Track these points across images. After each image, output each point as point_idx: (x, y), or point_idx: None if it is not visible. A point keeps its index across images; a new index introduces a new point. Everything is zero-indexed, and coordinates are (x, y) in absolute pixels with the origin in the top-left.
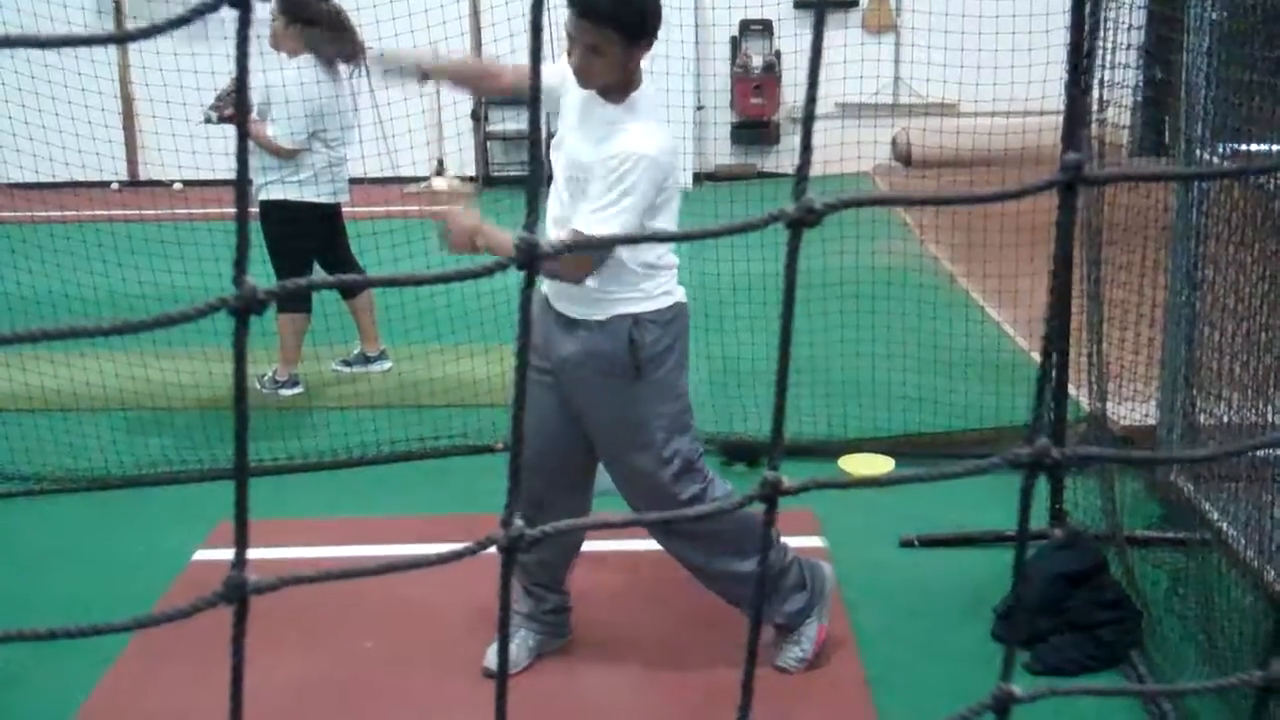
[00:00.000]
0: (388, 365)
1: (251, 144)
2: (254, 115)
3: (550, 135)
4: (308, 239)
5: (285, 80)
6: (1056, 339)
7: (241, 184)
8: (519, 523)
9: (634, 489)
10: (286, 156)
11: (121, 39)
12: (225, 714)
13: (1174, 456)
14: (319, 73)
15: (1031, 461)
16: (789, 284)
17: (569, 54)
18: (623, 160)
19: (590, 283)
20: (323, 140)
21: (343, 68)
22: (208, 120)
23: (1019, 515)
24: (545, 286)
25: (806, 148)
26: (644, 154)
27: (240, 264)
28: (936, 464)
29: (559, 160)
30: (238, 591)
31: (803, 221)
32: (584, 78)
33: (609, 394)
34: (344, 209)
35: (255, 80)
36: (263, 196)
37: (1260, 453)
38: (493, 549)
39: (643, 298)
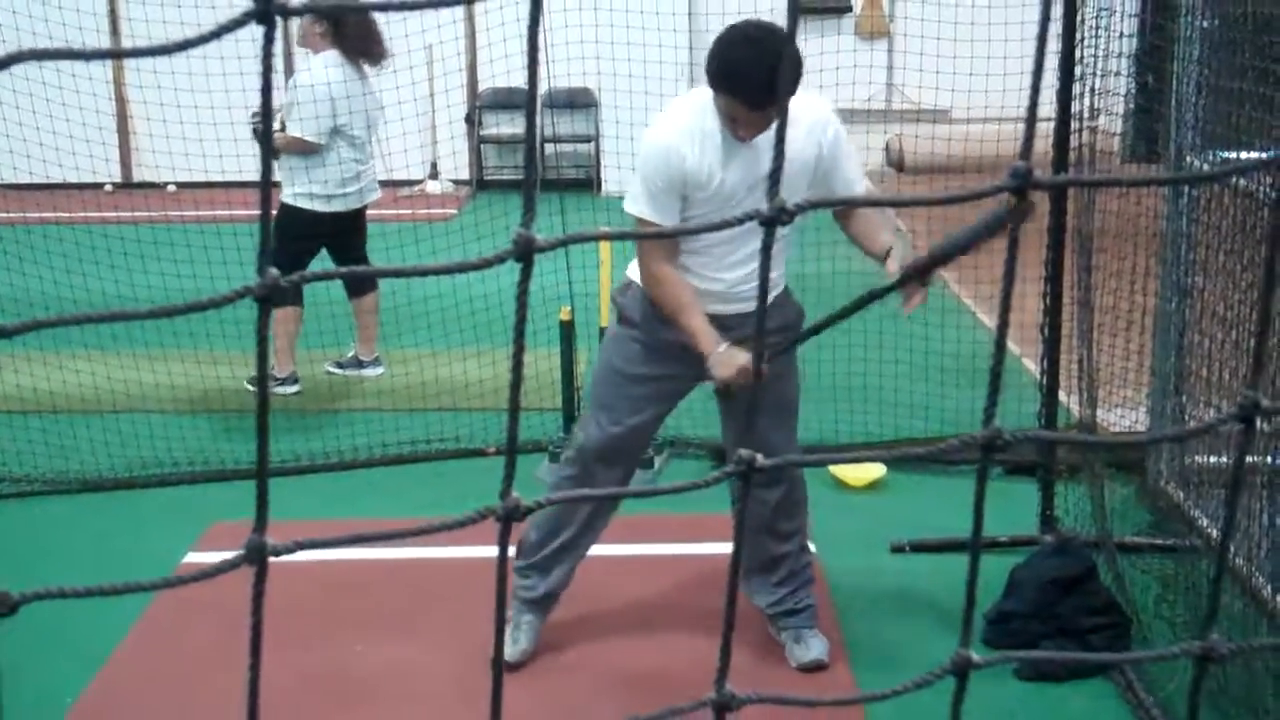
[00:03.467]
0: (380, 370)
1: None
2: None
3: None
4: (311, 242)
5: (312, 78)
6: (1006, 333)
7: (266, 184)
8: (515, 494)
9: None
10: (310, 151)
11: (133, 53)
12: (216, 713)
13: (1132, 439)
14: (345, 71)
15: (986, 442)
16: (762, 279)
17: (734, 129)
18: (834, 130)
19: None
20: (348, 139)
21: (367, 68)
22: (255, 132)
23: (975, 495)
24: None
25: (780, 152)
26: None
27: (263, 255)
28: (922, 469)
29: (754, 197)
30: (259, 553)
31: (776, 220)
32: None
33: (782, 364)
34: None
35: (199, 84)
36: (285, 200)
37: (1249, 459)
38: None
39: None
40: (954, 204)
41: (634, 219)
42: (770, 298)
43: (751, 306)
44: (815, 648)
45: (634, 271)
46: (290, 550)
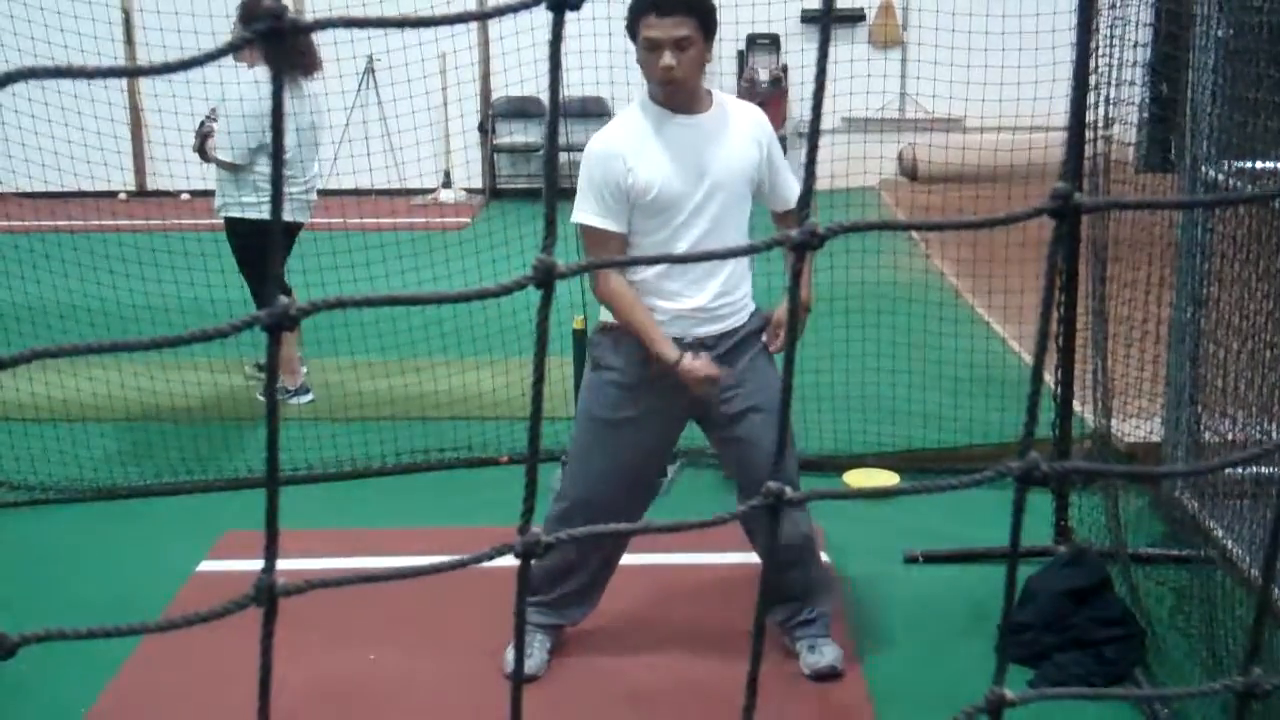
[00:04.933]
0: (310, 396)
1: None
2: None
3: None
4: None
5: (240, 93)
6: (1044, 360)
7: (276, 204)
8: (535, 529)
9: (759, 481)
10: (229, 170)
11: (150, 71)
12: None
13: (1163, 471)
14: (261, 77)
15: (1022, 474)
16: (792, 305)
17: (656, 65)
18: (770, 132)
19: (743, 281)
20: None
21: (304, 82)
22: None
23: (1011, 526)
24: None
25: (810, 174)
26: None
27: (268, 282)
28: (937, 478)
29: (698, 196)
30: (268, 594)
31: (806, 245)
32: (677, 76)
33: (769, 374)
34: (347, 221)
35: (213, 92)
36: (225, 214)
37: (1266, 469)
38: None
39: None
40: (993, 227)
41: (580, 229)
42: (747, 315)
43: (728, 325)
44: (829, 654)
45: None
46: (301, 590)
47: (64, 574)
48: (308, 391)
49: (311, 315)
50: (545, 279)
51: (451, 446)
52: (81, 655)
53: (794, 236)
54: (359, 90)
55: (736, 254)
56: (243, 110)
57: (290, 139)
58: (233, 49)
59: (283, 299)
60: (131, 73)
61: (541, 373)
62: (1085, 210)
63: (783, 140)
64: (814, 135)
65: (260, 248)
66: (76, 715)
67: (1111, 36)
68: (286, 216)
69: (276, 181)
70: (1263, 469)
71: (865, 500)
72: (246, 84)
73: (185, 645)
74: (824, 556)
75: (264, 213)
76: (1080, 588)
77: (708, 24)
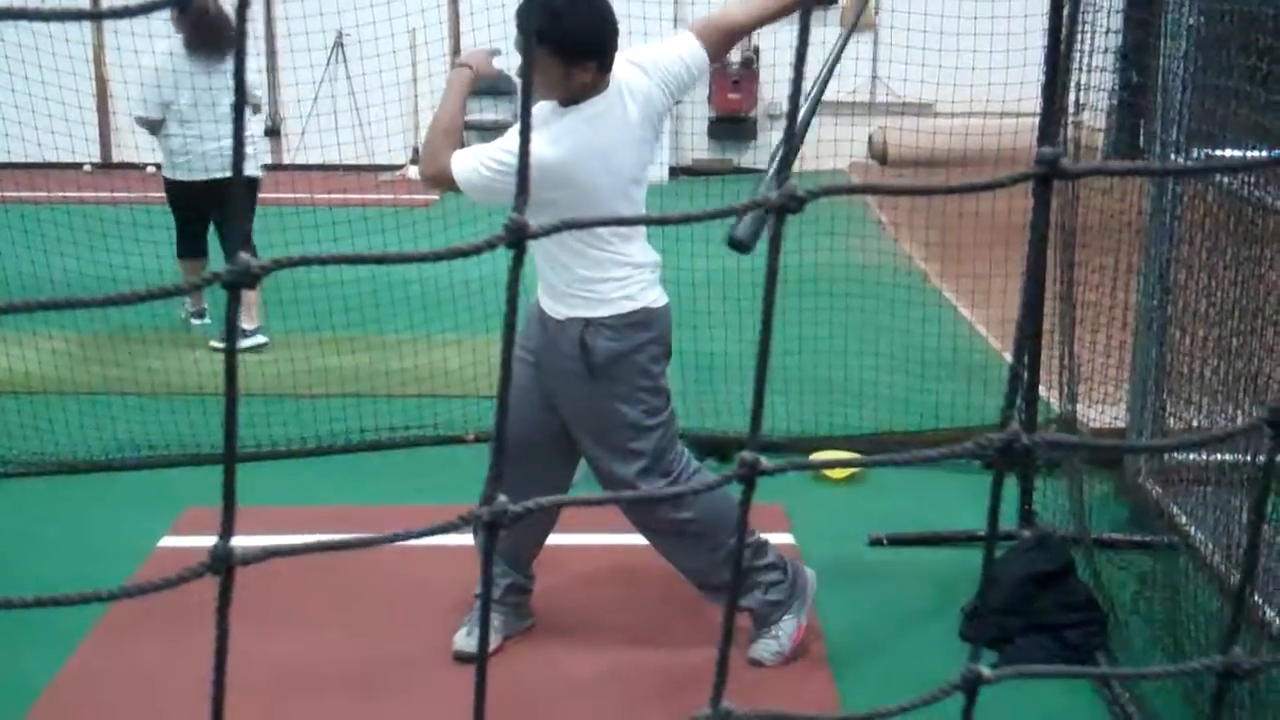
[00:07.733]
0: (263, 340)
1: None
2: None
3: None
4: (178, 210)
5: (154, 61)
6: (1029, 331)
7: (238, 166)
8: (502, 498)
9: (602, 482)
10: (145, 127)
11: (97, 16)
12: (188, 699)
13: (1139, 445)
14: (173, 45)
15: (1003, 445)
16: (771, 269)
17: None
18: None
19: (558, 281)
20: (178, 119)
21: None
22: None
23: (991, 498)
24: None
25: (791, 135)
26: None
27: (234, 240)
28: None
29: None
30: (223, 562)
31: (786, 208)
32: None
33: (570, 389)
34: (314, 195)
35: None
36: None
37: (1228, 456)
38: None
39: (598, 301)
40: (980, 191)
41: None
42: (551, 308)
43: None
44: (752, 650)
45: (604, 304)
46: (260, 558)
47: (25, 549)
48: (260, 333)
49: (274, 272)
50: (517, 239)
51: (417, 424)
52: (37, 633)
53: (773, 199)
54: (327, 65)
55: (716, 215)
56: (147, 69)
57: (186, 101)
58: (152, 8)
59: (242, 255)
60: (90, 16)
61: (512, 334)
62: (1069, 175)
63: (754, 121)
64: (795, 96)
65: (174, 204)
66: (35, 690)
67: (1083, 22)
68: (186, 176)
69: (238, 135)
70: (1226, 455)
71: (831, 483)
72: (160, 44)
73: (144, 624)
74: (789, 539)
75: (174, 174)
76: (1043, 572)
77: (565, 51)
